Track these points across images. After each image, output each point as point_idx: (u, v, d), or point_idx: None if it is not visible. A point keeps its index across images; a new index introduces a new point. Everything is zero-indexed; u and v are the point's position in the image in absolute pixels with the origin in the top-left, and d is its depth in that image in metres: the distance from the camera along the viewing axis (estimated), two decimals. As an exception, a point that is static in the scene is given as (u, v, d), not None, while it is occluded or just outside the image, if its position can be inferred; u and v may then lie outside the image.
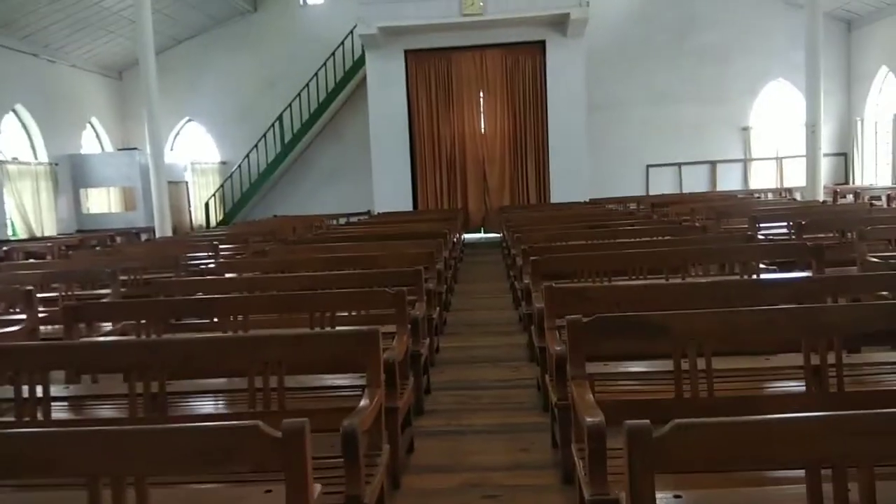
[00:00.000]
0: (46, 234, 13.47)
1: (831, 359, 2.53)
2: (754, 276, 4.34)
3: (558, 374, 3.07)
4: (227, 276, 4.94)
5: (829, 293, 3.49)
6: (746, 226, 7.97)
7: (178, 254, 7.85)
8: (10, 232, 13.04)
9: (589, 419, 2.16)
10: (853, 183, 15.14)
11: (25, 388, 2.65)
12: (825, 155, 15.09)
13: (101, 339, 3.61)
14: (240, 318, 3.59)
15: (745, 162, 16.43)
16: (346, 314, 3.77)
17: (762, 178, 16.43)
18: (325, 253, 6.52)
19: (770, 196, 14.67)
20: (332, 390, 2.98)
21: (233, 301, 3.59)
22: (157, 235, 11.54)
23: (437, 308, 5.48)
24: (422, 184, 14.91)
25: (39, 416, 2.69)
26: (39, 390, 2.69)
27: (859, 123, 15.39)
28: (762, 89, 16.20)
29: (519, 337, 5.95)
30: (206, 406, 3.06)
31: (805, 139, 11.00)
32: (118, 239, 12.75)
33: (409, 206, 14.61)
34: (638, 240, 5.68)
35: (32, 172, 13.44)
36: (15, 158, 13.14)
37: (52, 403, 2.91)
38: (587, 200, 13.69)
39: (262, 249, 7.60)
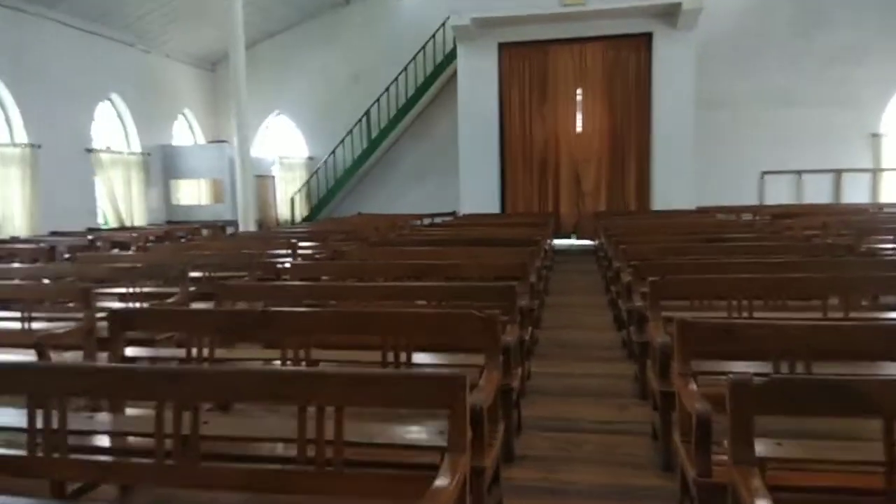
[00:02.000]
0: (137, 224, 13.66)
1: None
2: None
3: (700, 443, 2.31)
4: (296, 283, 4.42)
5: None
6: (893, 245, 6.86)
7: (256, 251, 7.54)
8: (101, 221, 13.27)
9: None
10: None
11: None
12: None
13: (126, 364, 3.11)
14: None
15: (875, 172, 14.73)
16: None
17: (894, 191, 14.68)
18: (405, 258, 5.94)
19: (902, 210, 13.05)
20: (400, 445, 2.33)
21: (295, 317, 3.01)
22: (241, 230, 11.37)
23: (530, 328, 4.77)
24: (511, 185, 14.18)
25: (56, 454, 2.19)
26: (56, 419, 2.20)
27: None
28: (897, 92, 14.48)
29: (623, 366, 5.15)
30: (247, 448, 2.49)
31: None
32: (204, 232, 12.77)
33: (496, 209, 13.91)
34: (772, 259, 4.75)
35: (125, 162, 13.64)
36: (108, 147, 13.35)
37: (71, 437, 2.43)
38: (694, 208, 12.58)
39: (341, 249, 7.15)
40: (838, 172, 14.80)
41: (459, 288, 3.98)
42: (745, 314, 3.65)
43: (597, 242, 11.10)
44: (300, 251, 8.12)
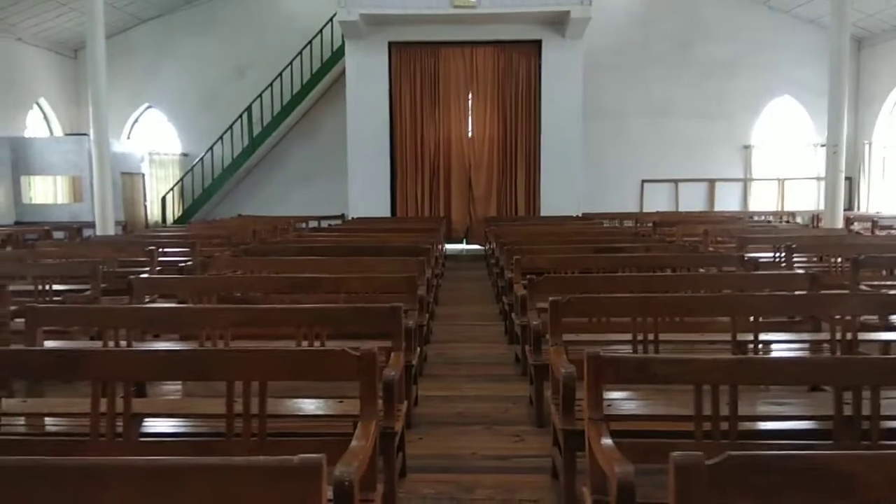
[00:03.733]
0: (-24, 224, 11.98)
1: None
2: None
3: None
4: (133, 306, 3.70)
5: None
6: (772, 254, 7.00)
7: (107, 258, 6.62)
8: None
9: None
10: (858, 209, 14.29)
11: None
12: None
13: None
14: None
15: (745, 182, 15.51)
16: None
17: (761, 200, 15.54)
18: (282, 270, 5.32)
19: (771, 219, 13.78)
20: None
21: (110, 359, 2.35)
22: (98, 233, 10.16)
23: (418, 349, 4.29)
24: (401, 188, 13.72)
25: None
26: None
27: (867, 147, 14.56)
28: (766, 106, 15.31)
29: (516, 386, 4.78)
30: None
31: (826, 160, 10.04)
32: (57, 234, 11.36)
33: (386, 212, 13.41)
34: (677, 273, 4.55)
35: (-38, 155, 11.95)
36: (-58, 138, 11.64)
37: None
38: (580, 214, 12.64)
39: (212, 258, 6.40)
40: (712, 182, 15.46)
41: (338, 311, 3.43)
42: (650, 335, 3.35)
43: (487, 248, 10.86)
44: (164, 259, 7.27)
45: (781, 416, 2.49)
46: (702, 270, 5.56)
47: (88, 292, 5.26)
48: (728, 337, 3.31)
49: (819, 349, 3.71)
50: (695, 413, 2.30)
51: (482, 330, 6.78)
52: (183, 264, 6.75)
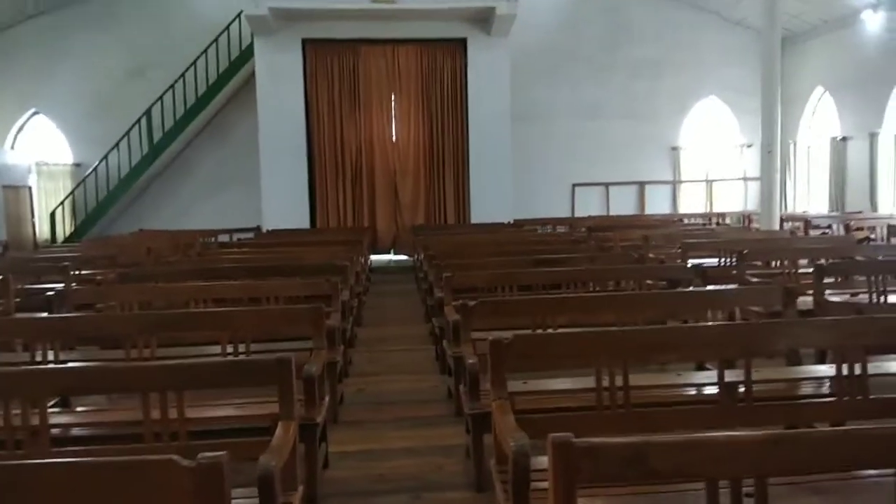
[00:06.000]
0: None
1: None
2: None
3: None
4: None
5: None
6: (716, 260, 6.51)
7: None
8: None
9: None
10: (786, 209, 14.30)
11: None
12: (754, 179, 14.20)
13: None
14: None
15: (675, 184, 15.32)
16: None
17: (690, 202, 15.39)
18: (160, 299, 4.41)
19: (702, 221, 13.60)
20: None
21: None
22: (-35, 255, 8.78)
23: (325, 398, 3.43)
24: (321, 197, 12.76)
25: None
26: None
27: (792, 146, 14.60)
28: (693, 107, 15.17)
29: (452, 429, 3.99)
30: None
31: (760, 162, 9.79)
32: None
33: (305, 223, 12.42)
34: (639, 291, 3.90)
35: None
36: None
37: None
38: (511, 221, 12.03)
39: (79, 286, 5.41)
40: (642, 185, 15.20)
41: (209, 368, 2.56)
42: (617, 376, 2.64)
43: (415, 259, 10.10)
44: (33, 286, 6.16)
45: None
46: (649, 282, 5.04)
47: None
48: (712, 377, 2.64)
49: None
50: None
51: (410, 356, 5.98)
52: (51, 294, 5.68)
